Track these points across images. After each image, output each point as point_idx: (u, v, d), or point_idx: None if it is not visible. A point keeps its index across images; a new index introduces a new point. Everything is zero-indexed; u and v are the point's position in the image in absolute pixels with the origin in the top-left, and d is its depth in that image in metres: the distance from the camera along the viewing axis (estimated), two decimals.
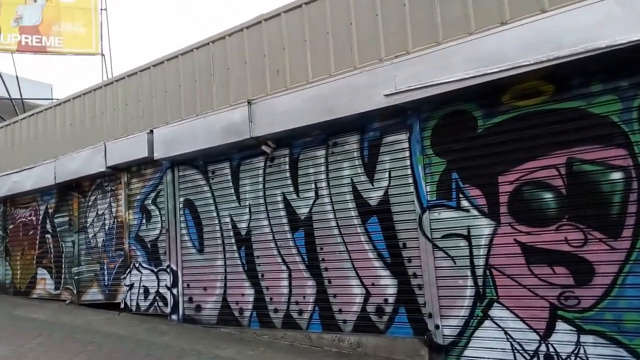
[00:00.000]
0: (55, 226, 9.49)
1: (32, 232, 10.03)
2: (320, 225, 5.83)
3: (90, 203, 8.83)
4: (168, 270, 7.30)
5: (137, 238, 7.91)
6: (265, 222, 6.34)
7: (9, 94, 18.17)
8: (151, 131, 7.33)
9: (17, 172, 9.69)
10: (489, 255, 4.58)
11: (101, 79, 20.10)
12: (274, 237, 6.24)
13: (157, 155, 7.15)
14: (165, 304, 7.33)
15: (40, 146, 9.60)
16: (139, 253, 7.85)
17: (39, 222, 9.87)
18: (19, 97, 18.22)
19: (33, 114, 9.92)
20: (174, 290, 7.17)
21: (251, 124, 6.08)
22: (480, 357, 4.53)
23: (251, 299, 6.38)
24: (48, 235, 9.62)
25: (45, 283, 9.59)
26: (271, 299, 6.19)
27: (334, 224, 5.72)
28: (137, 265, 7.84)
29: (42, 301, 9.32)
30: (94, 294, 8.56)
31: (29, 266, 9.99)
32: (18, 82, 18.42)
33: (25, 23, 19.43)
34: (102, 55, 19.97)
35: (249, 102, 6.13)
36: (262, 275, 6.31)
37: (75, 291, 8.81)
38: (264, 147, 6.24)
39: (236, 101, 6.56)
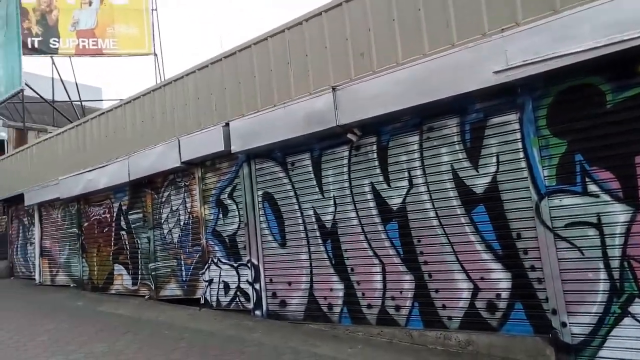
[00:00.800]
0: (129, 223, 9.59)
1: (106, 229, 10.20)
2: (417, 216, 5.47)
3: (163, 199, 8.84)
4: (249, 265, 7.16)
5: (214, 233, 7.82)
6: (353, 214, 6.05)
7: (70, 98, 18.70)
8: (227, 124, 7.17)
9: (90, 171, 9.84)
10: (626, 246, 4.09)
11: (155, 78, 20.49)
12: (363, 229, 5.94)
13: (234, 148, 6.98)
14: (247, 300, 7.21)
15: (112, 144, 9.71)
16: (217, 248, 7.76)
17: (113, 219, 10.02)
18: (78, 100, 18.70)
19: (103, 113, 10.04)
20: (256, 286, 7.03)
21: (337, 112, 5.77)
22: (619, 359, 4.07)
23: (341, 294, 6.12)
24: (123, 232, 9.74)
25: (122, 279, 9.74)
26: (363, 294, 5.91)
27: (432, 214, 5.35)
28: (215, 260, 7.76)
29: (121, 297, 9.46)
30: (172, 289, 8.58)
31: (106, 262, 10.18)
32: (77, 87, 18.94)
33: (81, 27, 20.00)
34: (155, 54, 20.36)
35: (333, 89, 5.82)
36: (352, 270, 6.03)
37: (153, 287, 8.88)
38: (349, 136, 5.93)
39: (316, 89, 6.27)
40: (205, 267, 7.87)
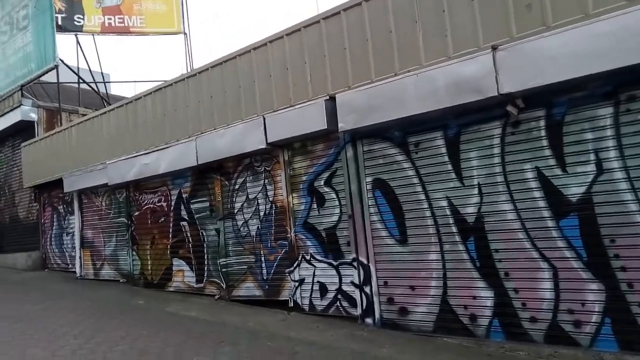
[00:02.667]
0: (192, 213, 8.49)
1: (163, 219, 9.11)
2: (610, 210, 4.32)
3: (237, 186, 7.72)
4: (355, 264, 6.06)
5: (305, 226, 6.71)
6: (508, 206, 4.91)
7: (94, 79, 17.26)
8: (331, 98, 6.03)
9: (146, 154, 8.73)
10: None
11: (185, 58, 19.29)
12: (523, 225, 4.81)
13: (342, 126, 5.85)
14: (352, 305, 6.13)
15: (171, 124, 8.56)
16: (309, 243, 6.66)
17: (171, 208, 8.92)
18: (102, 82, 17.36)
19: (160, 89, 8.89)
20: (366, 289, 5.93)
21: (498, 77, 4.61)
22: None
23: (489, 303, 5.01)
24: (184, 223, 8.65)
25: (183, 275, 8.67)
26: (524, 304, 4.80)
27: (635, 207, 4.21)
28: (307, 257, 6.66)
29: (184, 295, 8.40)
30: (249, 289, 7.49)
31: (162, 256, 9.11)
32: (103, 74, 17.69)
33: (107, 4, 18.80)
34: (185, 34, 19.19)
35: (494, 48, 4.65)
36: (506, 274, 4.91)
37: (224, 285, 7.80)
38: (509, 108, 4.77)
39: (457, 52, 5.09)
40: (295, 265, 6.78)
